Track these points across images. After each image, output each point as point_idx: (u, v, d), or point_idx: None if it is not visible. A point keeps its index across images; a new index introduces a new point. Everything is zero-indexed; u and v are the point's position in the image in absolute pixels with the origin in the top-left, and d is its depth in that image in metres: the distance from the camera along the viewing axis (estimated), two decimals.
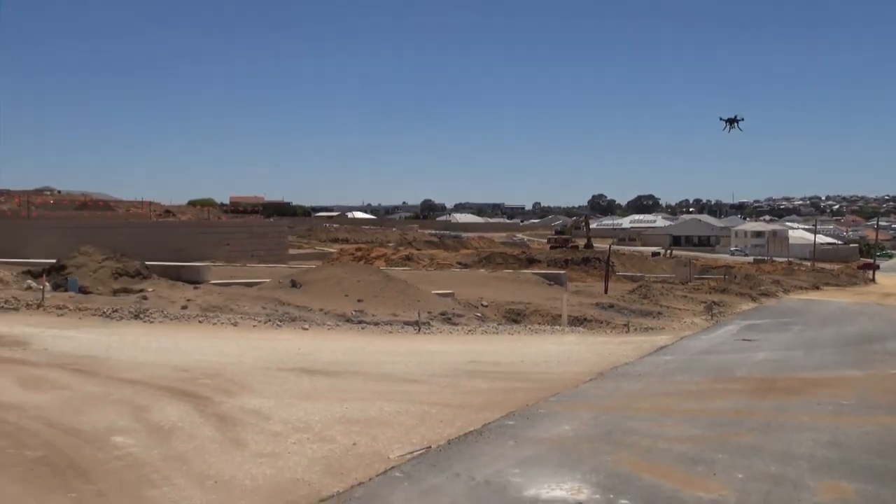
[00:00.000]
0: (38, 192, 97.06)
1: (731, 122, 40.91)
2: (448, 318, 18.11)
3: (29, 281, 19.34)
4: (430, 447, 6.91)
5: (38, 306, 15.49)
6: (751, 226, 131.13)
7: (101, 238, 28.07)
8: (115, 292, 18.87)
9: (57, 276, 19.90)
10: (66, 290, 18.51)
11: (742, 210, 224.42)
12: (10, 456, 6.38)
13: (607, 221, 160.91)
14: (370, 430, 7.45)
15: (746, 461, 6.59)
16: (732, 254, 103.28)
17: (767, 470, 6.34)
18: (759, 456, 6.74)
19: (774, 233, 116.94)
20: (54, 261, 21.71)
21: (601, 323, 20.99)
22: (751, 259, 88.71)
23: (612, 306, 25.84)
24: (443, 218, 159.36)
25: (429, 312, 18.06)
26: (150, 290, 19.12)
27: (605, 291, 32.56)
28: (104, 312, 15.13)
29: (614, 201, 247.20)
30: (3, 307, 15.37)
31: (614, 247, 65.51)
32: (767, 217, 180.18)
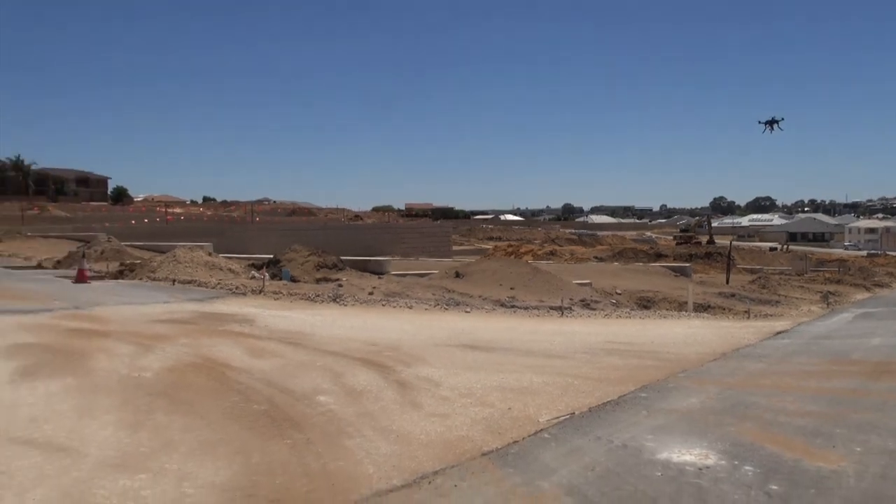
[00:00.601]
0: (259, 202, 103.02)
1: (771, 123, 37.79)
2: (587, 304, 17.76)
3: (253, 272, 20.51)
4: (574, 413, 6.80)
5: (260, 292, 16.38)
6: (864, 223, 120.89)
7: (306, 238, 29.47)
8: (318, 281, 19.71)
9: (273, 267, 21.02)
10: (280, 279, 19.50)
11: (855, 209, 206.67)
12: (242, 409, 6.80)
13: (727, 221, 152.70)
14: (522, 397, 7.42)
15: (864, 436, 6.06)
16: (846, 248, 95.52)
17: (885, 445, 5.81)
18: (876, 432, 6.19)
19: (888, 229, 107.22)
20: (271, 256, 22.98)
21: (724, 310, 19.97)
22: (864, 253, 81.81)
23: (733, 295, 24.54)
24: (581, 219, 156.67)
25: (570, 299, 17.79)
26: (344, 279, 19.86)
27: (727, 282, 30.98)
28: (309, 297, 15.79)
29: (734, 202, 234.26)
30: (234, 292, 16.39)
31: (734, 243, 62.17)
32: (880, 215, 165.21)
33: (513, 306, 16.35)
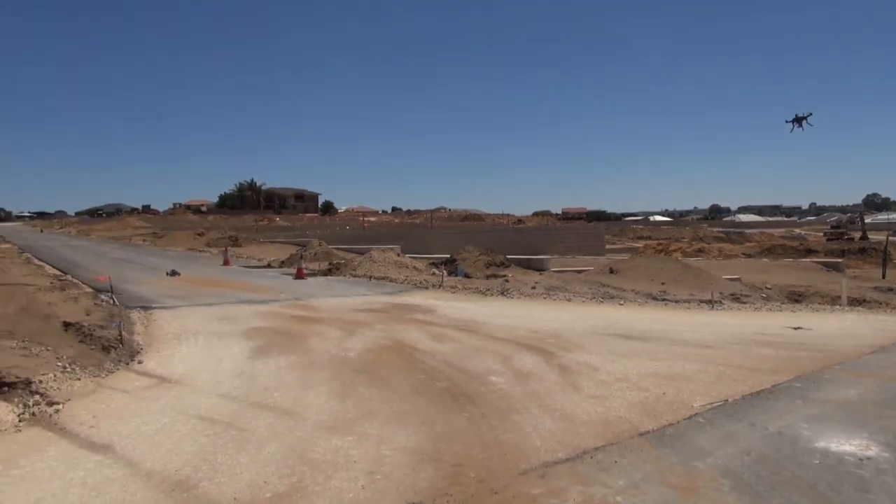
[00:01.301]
0: (437, 210, 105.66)
1: (798, 121, 31.32)
2: (737, 298, 16.48)
3: (433, 269, 21.09)
4: (727, 400, 6.32)
5: (439, 286, 16.80)
6: None
7: (476, 240, 29.86)
8: (487, 277, 19.89)
9: (450, 265, 21.48)
10: (456, 275, 19.89)
11: None
12: (427, 385, 6.99)
13: (881, 217, 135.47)
14: (676, 383, 7.01)
15: None
16: None
17: None
18: None
19: None
20: (448, 255, 23.53)
21: (880, 304, 17.70)
22: None
23: (890, 289, 21.66)
24: (728, 218, 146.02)
25: (720, 293, 16.59)
26: (510, 275, 19.89)
27: (883, 276, 27.40)
28: (480, 291, 15.97)
29: (888, 198, 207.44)
30: (419, 286, 16.93)
31: (891, 238, 55.08)
32: None
33: (664, 299, 15.54)
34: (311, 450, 5.07)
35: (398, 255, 22.46)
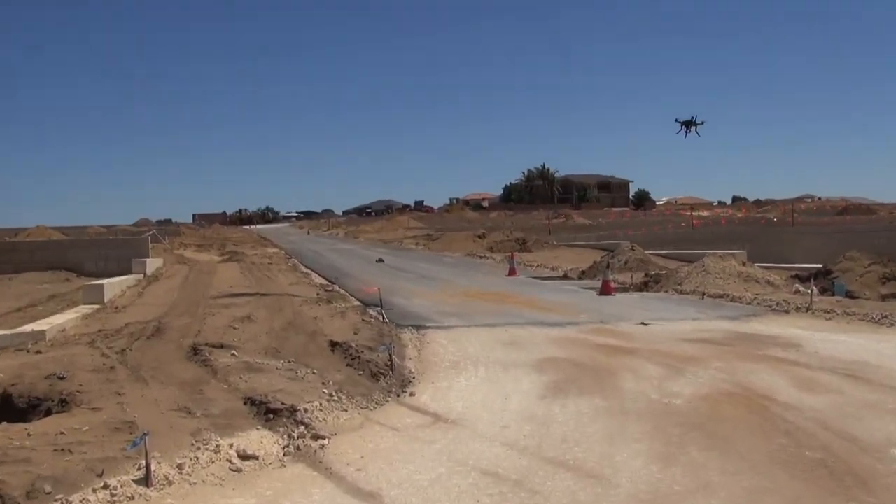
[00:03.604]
0: (800, 199, 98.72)
1: (688, 124, 29.80)
2: None
3: (797, 285, 19.59)
4: None
5: (807, 309, 15.53)
6: None
7: (864, 242, 26.96)
8: (883, 298, 17.82)
9: (823, 280, 19.74)
10: (832, 294, 18.21)
11: None
12: (791, 454, 6.46)
13: None
14: None
15: None
16: None
17: None
18: None
19: None
20: (819, 266, 21.63)
21: None
22: None
23: None
24: None
25: None
26: None
27: None
28: (872, 318, 14.37)
29: None
30: (774, 309, 15.85)
31: None
32: None
33: None
34: None
35: (743, 263, 21.34)
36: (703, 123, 31.41)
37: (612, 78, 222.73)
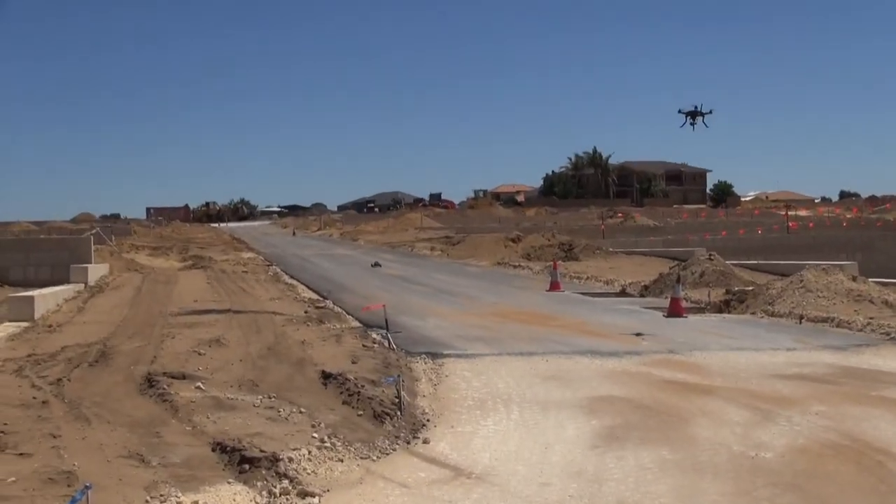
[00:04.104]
0: None
1: (693, 115, 34.64)
2: None
3: None
4: None
5: None
6: None
7: None
8: None
9: None
10: None
11: None
12: None
13: None
14: None
15: None
16: None
17: None
18: None
19: None
20: None
21: None
22: None
23: None
24: None
25: None
26: None
27: None
28: None
29: None
30: (894, 337, 15.75)
31: None
32: None
33: None
34: None
35: (853, 278, 21.22)
36: (710, 112, 34.45)
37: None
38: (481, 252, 45.17)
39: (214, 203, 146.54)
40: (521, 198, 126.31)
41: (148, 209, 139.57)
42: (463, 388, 11.53)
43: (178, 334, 14.13)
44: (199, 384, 10.13)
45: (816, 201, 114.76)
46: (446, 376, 12.37)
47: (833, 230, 54.30)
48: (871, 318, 17.75)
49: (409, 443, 8.83)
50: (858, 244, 37.21)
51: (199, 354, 12.14)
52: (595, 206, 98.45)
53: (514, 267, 36.96)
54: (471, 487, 7.44)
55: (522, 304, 22.26)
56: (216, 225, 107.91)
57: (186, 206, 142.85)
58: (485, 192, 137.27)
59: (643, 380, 12.12)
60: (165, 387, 9.87)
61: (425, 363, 13.22)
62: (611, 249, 43.17)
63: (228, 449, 7.65)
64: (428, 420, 9.78)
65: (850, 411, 10.03)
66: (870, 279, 21.95)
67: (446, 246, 52.10)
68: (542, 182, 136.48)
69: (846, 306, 18.96)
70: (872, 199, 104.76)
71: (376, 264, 35.10)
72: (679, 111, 36.92)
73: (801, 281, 20.55)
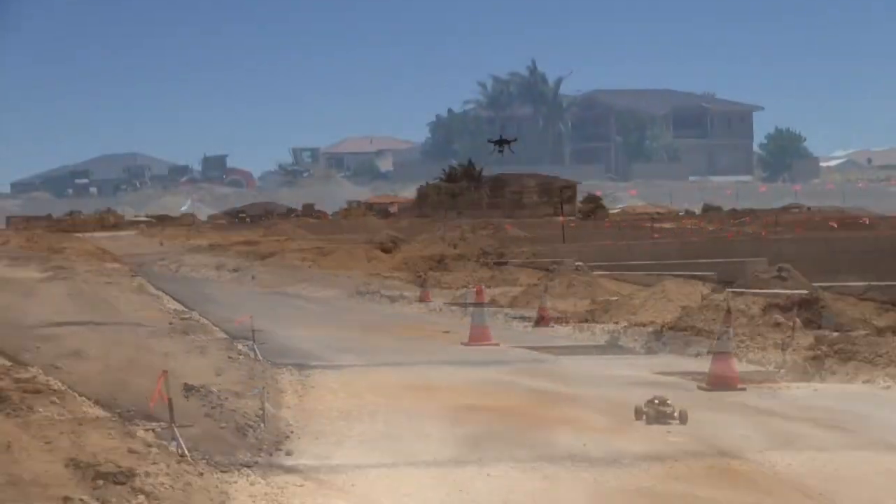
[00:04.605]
0: (785, 209, 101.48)
1: (500, 143, 39.12)
2: None
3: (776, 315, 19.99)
4: None
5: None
6: None
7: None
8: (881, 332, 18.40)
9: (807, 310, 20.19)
10: (818, 327, 18.62)
11: None
12: None
13: None
14: None
15: None
16: None
17: None
18: None
19: None
20: (804, 292, 22.12)
21: None
22: None
23: None
24: None
25: None
26: None
27: None
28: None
29: None
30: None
31: None
32: None
33: None
34: None
35: (712, 288, 21.85)
36: (515, 140, 39.63)
37: None
38: (352, 262, 44.69)
39: (79, 212, 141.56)
40: (394, 209, 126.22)
41: (8, 217, 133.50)
42: (329, 400, 11.51)
43: (34, 348, 13.65)
44: (54, 399, 9.81)
45: (681, 213, 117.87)
46: (312, 388, 12.32)
47: (695, 242, 55.53)
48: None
49: (271, 455, 8.70)
50: (719, 254, 38.08)
51: (56, 368, 11.74)
52: (469, 218, 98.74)
53: (385, 278, 35.85)
54: (332, 500, 7.39)
55: (390, 317, 22.26)
56: (81, 235, 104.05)
57: (49, 216, 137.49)
58: (359, 202, 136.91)
59: (509, 388, 12.33)
60: (17, 401, 9.52)
61: (291, 374, 13.15)
62: (481, 260, 43.40)
63: (83, 465, 7.42)
64: (292, 432, 9.68)
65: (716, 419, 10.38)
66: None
67: (317, 257, 51.50)
68: (416, 194, 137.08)
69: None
70: (734, 213, 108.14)
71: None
72: (488, 140, 41.02)
73: (664, 291, 21.09)
